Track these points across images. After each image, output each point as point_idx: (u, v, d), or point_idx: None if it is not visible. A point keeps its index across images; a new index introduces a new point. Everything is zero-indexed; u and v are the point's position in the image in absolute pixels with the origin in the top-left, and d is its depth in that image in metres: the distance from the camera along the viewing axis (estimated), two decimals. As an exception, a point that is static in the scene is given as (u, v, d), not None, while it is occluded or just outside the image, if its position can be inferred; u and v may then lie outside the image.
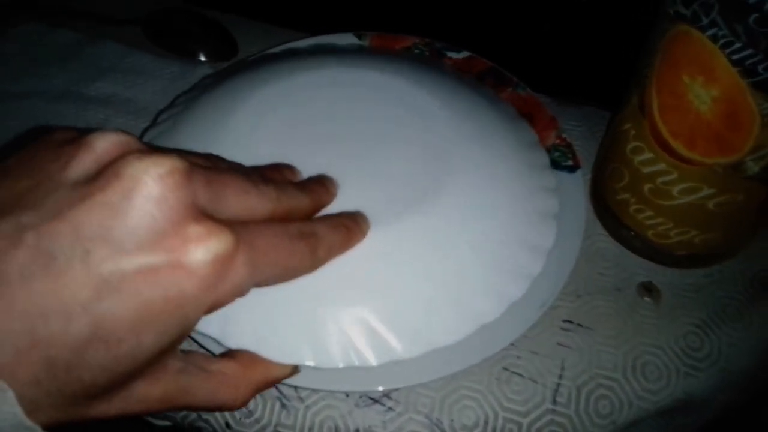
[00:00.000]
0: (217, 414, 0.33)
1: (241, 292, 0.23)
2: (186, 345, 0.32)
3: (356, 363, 0.29)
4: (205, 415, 0.33)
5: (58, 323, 0.19)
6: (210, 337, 0.30)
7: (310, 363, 0.29)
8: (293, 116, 0.36)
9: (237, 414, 0.33)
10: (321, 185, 0.31)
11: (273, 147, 0.34)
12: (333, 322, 0.30)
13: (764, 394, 0.36)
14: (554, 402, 0.33)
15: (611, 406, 0.33)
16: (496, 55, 0.44)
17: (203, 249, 0.20)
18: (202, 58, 0.49)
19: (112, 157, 0.21)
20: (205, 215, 0.21)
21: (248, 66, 0.42)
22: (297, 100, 0.36)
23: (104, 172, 0.20)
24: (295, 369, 0.29)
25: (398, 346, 0.30)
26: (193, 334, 0.31)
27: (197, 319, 0.22)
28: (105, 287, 0.19)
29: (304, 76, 0.38)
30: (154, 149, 0.22)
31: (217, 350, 0.30)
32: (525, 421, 0.32)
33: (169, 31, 0.51)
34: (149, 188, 0.20)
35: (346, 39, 0.45)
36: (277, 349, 0.29)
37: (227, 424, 0.33)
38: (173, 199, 0.20)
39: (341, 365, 0.29)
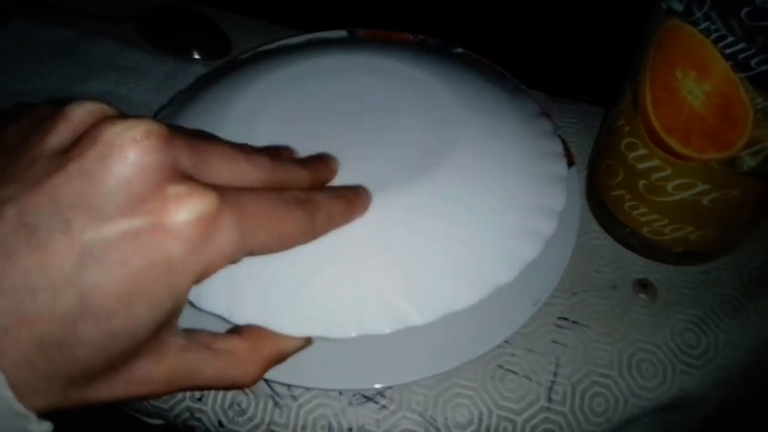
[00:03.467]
0: (210, 413, 0.33)
1: (232, 256, 0.22)
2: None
3: (369, 332, 0.28)
4: (198, 414, 0.33)
5: (44, 298, 0.18)
6: (216, 315, 0.29)
7: (321, 333, 0.28)
8: (292, 103, 0.35)
9: (230, 412, 0.33)
10: (321, 161, 0.30)
11: (274, 132, 0.33)
12: (342, 291, 0.28)
13: (761, 391, 0.36)
14: (549, 400, 0.33)
15: (606, 404, 0.33)
16: (490, 52, 0.43)
17: (185, 209, 0.20)
18: (196, 56, 0.49)
19: (89, 125, 0.20)
20: (186, 177, 0.21)
21: (243, 62, 0.42)
22: (294, 88, 0.36)
23: (80, 140, 0.20)
24: (307, 341, 0.28)
25: (411, 313, 0.28)
26: (198, 318, 0.31)
27: (188, 287, 0.21)
28: (88, 256, 0.19)
29: (300, 66, 0.37)
30: (132, 115, 0.21)
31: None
32: (519, 419, 0.32)
33: (162, 28, 0.50)
34: (124, 152, 0.19)
35: (339, 36, 0.45)
36: (286, 322, 0.27)
37: (220, 423, 0.33)
38: (150, 162, 0.20)
39: (353, 334, 0.28)
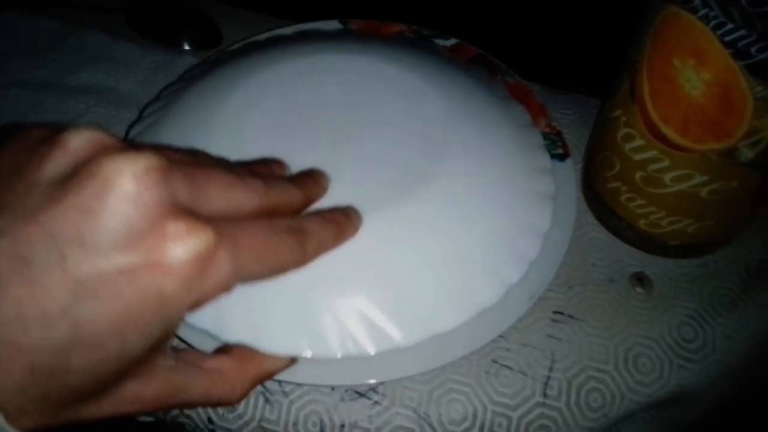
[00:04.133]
0: (200, 410, 0.32)
1: (225, 289, 0.22)
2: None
3: (354, 352, 0.29)
4: (188, 411, 0.33)
5: (38, 330, 0.18)
6: (203, 332, 0.29)
7: (308, 354, 0.29)
8: (282, 106, 0.35)
9: (220, 409, 0.32)
10: (312, 179, 0.30)
11: (262, 138, 0.33)
12: (329, 311, 0.29)
13: (759, 386, 0.35)
14: (544, 395, 0.32)
15: (603, 399, 0.32)
16: (484, 42, 0.43)
17: (182, 247, 0.20)
18: (186, 47, 0.48)
19: (87, 156, 0.20)
20: (185, 212, 0.21)
21: (234, 55, 0.41)
22: (285, 89, 0.36)
23: (78, 173, 0.20)
24: (292, 361, 0.29)
25: (396, 334, 0.29)
26: (186, 335, 0.31)
27: (180, 319, 0.21)
28: (83, 291, 0.19)
29: (291, 65, 0.37)
30: (130, 146, 0.21)
31: (210, 347, 0.30)
32: (515, 415, 0.32)
33: (152, 19, 0.50)
34: (123, 188, 0.19)
35: (332, 26, 0.45)
36: (273, 342, 0.28)
37: (210, 420, 0.32)
38: (149, 198, 0.20)
39: (339, 355, 0.29)
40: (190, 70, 0.44)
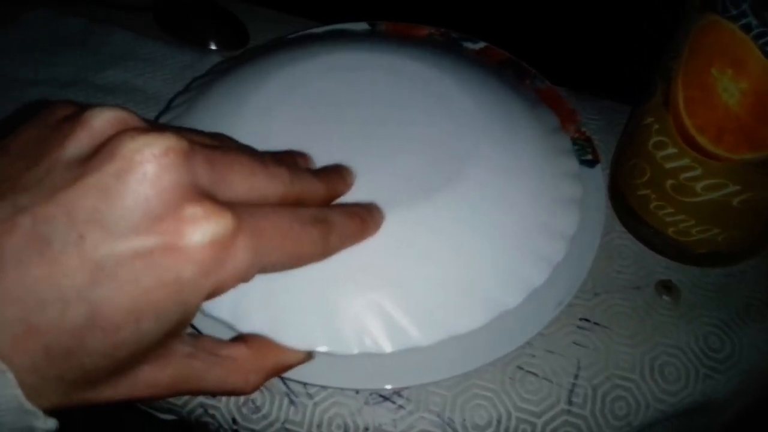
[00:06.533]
0: (224, 410, 0.32)
1: (244, 277, 0.22)
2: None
3: (371, 350, 0.28)
4: (212, 411, 0.33)
5: (54, 310, 0.18)
6: (221, 321, 0.29)
7: (324, 349, 0.28)
8: (310, 100, 0.35)
9: (244, 409, 0.32)
10: (337, 174, 0.30)
11: (289, 131, 0.33)
12: (348, 307, 0.29)
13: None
14: (569, 402, 0.32)
15: (628, 408, 0.32)
16: (513, 45, 0.43)
17: (200, 231, 0.20)
18: (213, 47, 0.48)
19: (108, 135, 0.20)
20: (205, 196, 0.20)
21: (264, 51, 0.41)
22: (314, 84, 0.35)
23: (99, 152, 0.20)
24: (309, 356, 0.28)
25: (415, 333, 0.29)
26: (202, 325, 0.31)
27: (198, 305, 0.21)
28: (100, 273, 0.19)
29: (322, 60, 0.37)
30: (153, 127, 0.21)
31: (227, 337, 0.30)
32: (539, 422, 0.31)
33: (179, 18, 0.50)
34: (143, 169, 0.19)
35: (360, 28, 0.44)
36: (290, 335, 0.28)
37: (234, 420, 0.32)
38: (169, 180, 0.20)
39: (356, 351, 0.28)
40: (218, 64, 0.44)
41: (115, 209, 0.19)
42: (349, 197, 0.30)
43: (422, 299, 0.29)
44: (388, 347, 0.28)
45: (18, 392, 0.18)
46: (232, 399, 0.32)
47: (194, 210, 0.20)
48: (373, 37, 0.42)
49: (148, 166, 0.19)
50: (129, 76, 0.47)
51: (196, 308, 0.21)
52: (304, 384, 0.32)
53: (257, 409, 0.32)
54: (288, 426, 0.32)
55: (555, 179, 0.34)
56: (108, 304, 0.19)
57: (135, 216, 0.19)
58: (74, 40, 0.49)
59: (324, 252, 0.26)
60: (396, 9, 0.46)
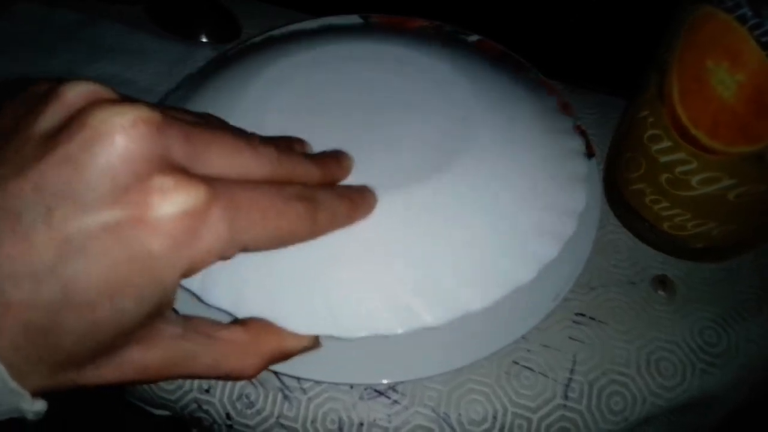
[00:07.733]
0: (218, 405, 0.32)
1: (222, 253, 0.21)
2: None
3: (380, 331, 0.27)
4: (206, 406, 0.32)
5: (28, 287, 0.18)
6: (221, 310, 0.28)
7: (330, 332, 0.27)
8: (305, 91, 0.34)
9: (238, 404, 0.32)
10: (333, 158, 0.29)
11: (285, 121, 0.32)
12: (354, 288, 0.27)
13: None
14: (565, 397, 0.32)
15: (624, 403, 0.32)
16: (506, 39, 0.42)
17: (170, 202, 0.19)
18: (204, 40, 0.48)
19: (80, 107, 0.20)
20: (175, 168, 0.20)
21: (254, 47, 0.41)
22: (309, 75, 0.35)
23: (70, 124, 0.19)
24: (315, 341, 0.27)
25: (425, 313, 0.27)
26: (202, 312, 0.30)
27: (175, 281, 0.20)
28: (69, 248, 0.18)
29: (317, 50, 0.36)
30: (126, 100, 0.20)
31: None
32: (535, 417, 0.31)
33: (171, 11, 0.49)
34: (111, 139, 0.19)
35: (352, 21, 0.44)
36: (293, 319, 0.27)
37: (228, 415, 0.32)
38: (137, 151, 0.19)
39: (364, 334, 0.27)
40: (211, 62, 0.44)
41: (82, 181, 0.19)
42: (350, 181, 0.29)
43: (430, 278, 0.28)
44: (397, 328, 0.27)
45: (3, 370, 0.18)
46: (226, 394, 0.32)
47: (163, 180, 0.19)
48: (366, 28, 0.42)
49: (117, 137, 0.19)
50: (119, 69, 0.46)
51: (173, 285, 0.21)
52: (298, 379, 0.32)
53: (251, 404, 0.32)
54: (282, 421, 0.32)
55: (560, 157, 0.33)
56: (80, 280, 0.18)
57: (103, 188, 0.19)
58: (65, 32, 0.49)
59: (312, 231, 0.25)
60: (388, 2, 0.46)
